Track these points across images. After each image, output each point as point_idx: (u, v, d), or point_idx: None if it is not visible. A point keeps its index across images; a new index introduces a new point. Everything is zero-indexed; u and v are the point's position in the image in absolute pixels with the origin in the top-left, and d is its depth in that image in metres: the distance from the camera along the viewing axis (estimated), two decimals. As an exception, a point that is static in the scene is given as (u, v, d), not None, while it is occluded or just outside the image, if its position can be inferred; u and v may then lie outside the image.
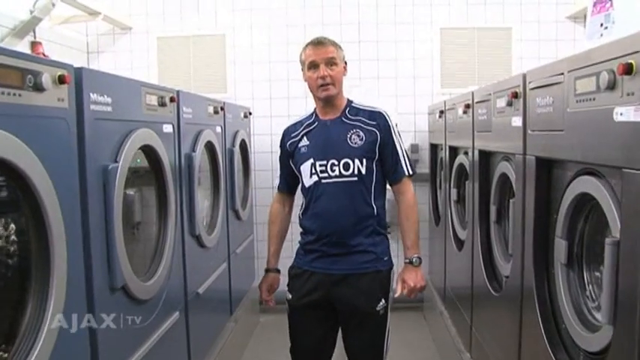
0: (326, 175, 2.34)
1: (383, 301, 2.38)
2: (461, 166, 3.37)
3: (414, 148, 4.78)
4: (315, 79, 2.34)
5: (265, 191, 4.60)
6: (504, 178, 2.52)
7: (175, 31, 4.86)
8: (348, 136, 2.35)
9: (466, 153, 3.25)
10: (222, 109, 3.44)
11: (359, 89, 4.76)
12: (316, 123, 2.44)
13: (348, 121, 2.38)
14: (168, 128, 2.44)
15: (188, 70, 4.86)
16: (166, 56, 4.88)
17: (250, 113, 4.47)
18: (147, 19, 4.86)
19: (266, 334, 4.38)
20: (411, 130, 4.80)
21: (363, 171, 2.33)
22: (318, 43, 2.37)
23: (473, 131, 2.91)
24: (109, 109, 1.83)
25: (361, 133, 2.35)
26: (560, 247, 1.80)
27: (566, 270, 1.81)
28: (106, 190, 1.82)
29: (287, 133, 2.52)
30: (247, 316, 4.17)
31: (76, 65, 1.64)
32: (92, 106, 1.72)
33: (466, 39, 4.75)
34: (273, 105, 4.85)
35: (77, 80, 1.64)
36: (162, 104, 2.36)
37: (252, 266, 4.68)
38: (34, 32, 4.01)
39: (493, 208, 2.66)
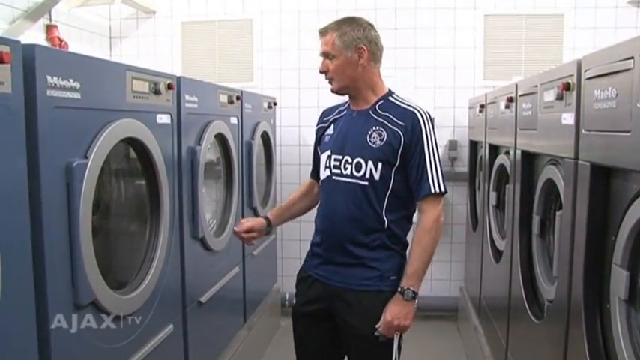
0: (338, 172, 2.03)
1: None
2: (501, 167, 2.99)
3: (453, 144, 4.39)
4: None
5: (292, 187, 4.29)
6: (550, 184, 2.15)
7: (200, 15, 4.60)
8: (369, 133, 1.99)
9: (507, 153, 2.87)
10: (238, 98, 3.15)
11: (394, 79, 4.40)
12: (345, 111, 2.14)
13: (375, 116, 2.02)
14: (163, 119, 2.16)
15: (213, 57, 4.59)
16: (191, 42, 4.62)
17: (275, 103, 4.17)
18: (171, 2, 4.61)
19: (287, 339, 4.08)
20: (450, 125, 4.42)
21: (377, 176, 1.97)
22: (320, 32, 2.06)
23: (515, 128, 2.53)
24: (77, 95, 1.56)
25: (383, 133, 1.97)
26: (620, 278, 1.43)
27: (626, 306, 1.44)
28: (69, 191, 1.55)
29: (322, 116, 2.24)
30: (266, 321, 3.89)
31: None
32: (49, 92, 1.44)
33: (513, 27, 4.31)
34: (302, 95, 4.54)
35: (27, 60, 1.36)
36: (155, 91, 2.08)
37: (274, 267, 4.41)
38: (50, 15, 3.81)
39: (536, 219, 2.29)
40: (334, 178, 2.04)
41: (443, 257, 4.50)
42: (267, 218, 2.31)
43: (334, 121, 2.14)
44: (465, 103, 4.29)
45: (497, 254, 3.03)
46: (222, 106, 2.92)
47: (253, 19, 4.54)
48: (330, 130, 2.13)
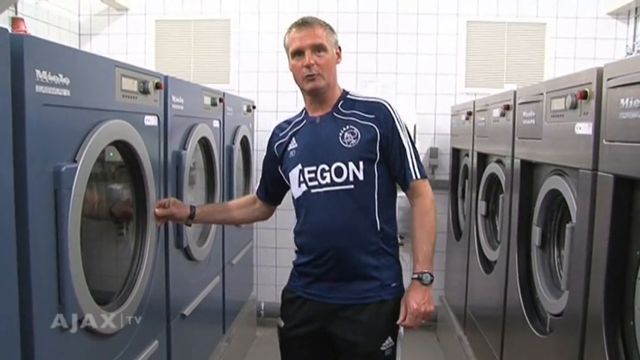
0: (316, 183, 1.90)
1: (389, 339, 1.93)
2: (492, 176, 2.93)
3: (433, 152, 4.34)
4: (300, 67, 1.90)
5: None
6: (554, 195, 2.09)
7: (176, 14, 4.43)
8: (340, 134, 1.90)
9: (499, 162, 2.81)
10: (221, 100, 3.01)
11: (375, 85, 4.33)
12: (305, 121, 2.01)
13: (341, 117, 1.94)
14: (151, 120, 2.01)
15: (188, 58, 4.43)
16: (165, 42, 4.45)
17: (254, 107, 4.04)
18: (145, -1, 4.43)
19: (263, 349, 3.95)
20: (430, 132, 4.37)
21: (361, 176, 1.88)
22: (302, 23, 1.93)
23: (513, 137, 2.47)
24: (66, 92, 1.41)
25: (355, 130, 1.90)
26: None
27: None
28: (57, 198, 1.39)
29: (275, 133, 2.10)
30: (243, 332, 3.74)
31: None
32: (38, 88, 1.29)
33: (495, 34, 4.29)
34: (280, 99, 4.41)
35: (15, 51, 1.21)
36: (144, 91, 1.94)
37: (251, 276, 4.26)
38: (16, 7, 3.60)
39: (537, 231, 2.22)
40: (313, 191, 1.91)
41: (422, 266, 4.43)
42: (193, 209, 2.15)
43: (294, 134, 2.01)
44: (447, 110, 4.24)
45: (488, 265, 2.97)
46: (205, 109, 2.78)
47: (231, 19, 4.40)
48: (293, 144, 1.99)
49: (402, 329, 1.96)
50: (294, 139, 2.00)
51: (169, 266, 2.26)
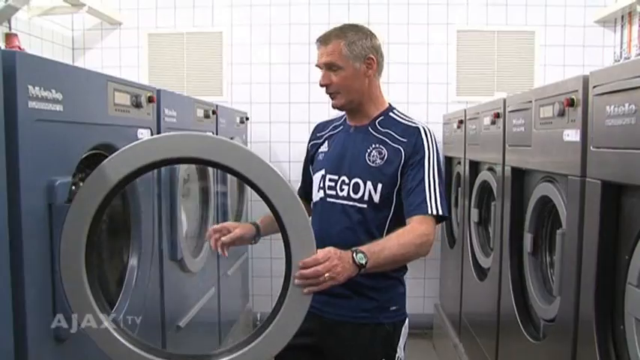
0: (333, 193, 1.86)
1: None
2: (484, 183, 2.95)
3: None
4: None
5: (262, 205, 4.18)
6: (545, 202, 2.11)
7: (168, 27, 4.46)
8: (368, 151, 1.83)
9: (491, 169, 2.84)
10: (214, 112, 3.03)
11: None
12: (342, 127, 1.98)
13: (375, 133, 1.86)
14: (144, 134, 2.02)
15: (181, 71, 4.45)
16: (158, 55, 4.47)
17: (247, 119, 4.06)
18: (138, 13, 4.45)
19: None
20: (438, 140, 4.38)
21: (376, 199, 1.80)
22: (318, 39, 1.87)
23: (504, 145, 2.50)
24: (59, 107, 1.42)
25: (384, 151, 1.81)
26: (637, 298, 1.38)
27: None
28: (52, 212, 1.40)
29: (315, 131, 2.08)
30: (238, 344, 3.73)
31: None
32: (31, 103, 1.30)
33: (485, 42, 4.34)
34: (273, 110, 4.44)
35: (7, 67, 1.22)
36: (136, 105, 1.95)
37: (247, 287, 4.26)
38: (9, 23, 3.61)
39: (528, 237, 2.24)
40: (329, 200, 1.87)
41: (416, 274, 4.45)
42: (256, 225, 1.99)
43: (329, 138, 1.99)
44: (439, 118, 4.27)
45: (481, 272, 2.99)
46: (198, 121, 2.79)
47: (223, 31, 4.43)
48: (325, 147, 1.97)
49: (402, 353, 1.87)
50: (327, 142, 1.97)
51: (164, 278, 2.27)
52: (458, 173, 3.67)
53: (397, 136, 1.83)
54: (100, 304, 1.43)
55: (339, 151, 1.91)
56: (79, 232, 1.38)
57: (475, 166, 3.20)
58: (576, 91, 1.70)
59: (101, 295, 1.46)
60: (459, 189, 3.59)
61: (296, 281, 1.42)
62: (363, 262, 1.52)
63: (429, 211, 1.70)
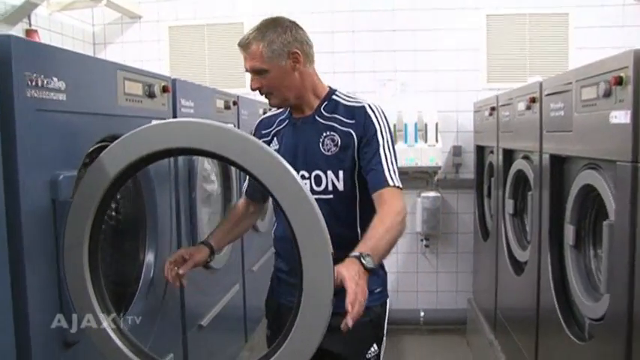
0: None
1: (375, 346, 1.83)
2: (519, 173, 2.79)
3: (457, 150, 4.21)
4: None
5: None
6: (588, 191, 1.95)
7: (188, 19, 4.38)
8: (321, 140, 1.76)
9: (527, 157, 2.67)
10: (234, 103, 2.93)
11: (394, 83, 4.22)
12: (287, 121, 1.87)
13: (322, 121, 1.78)
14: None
15: (203, 63, 4.38)
16: (179, 47, 4.40)
17: (270, 109, 3.94)
18: (157, 6, 4.38)
19: None
20: (452, 130, 4.24)
21: (340, 187, 1.75)
22: (240, 44, 1.75)
23: (541, 131, 2.34)
24: (62, 97, 1.33)
25: (336, 137, 1.75)
26: None
27: None
28: (56, 207, 1.31)
29: (259, 128, 1.97)
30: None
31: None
32: (30, 92, 1.21)
33: (516, 27, 4.15)
34: (297, 101, 4.32)
35: (2, 53, 1.13)
36: (150, 95, 1.85)
37: (272, 283, 4.16)
38: (29, 19, 3.57)
39: (570, 229, 2.08)
40: None
41: (449, 268, 4.33)
42: (209, 246, 1.87)
43: (276, 134, 1.88)
44: (469, 106, 4.10)
45: (518, 267, 2.83)
46: (218, 112, 2.69)
47: (244, 22, 4.32)
48: (275, 145, 1.86)
49: (384, 336, 1.88)
50: (275, 139, 1.87)
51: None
52: (490, 163, 3.51)
53: (345, 119, 1.76)
54: (102, 304, 1.33)
55: (291, 146, 1.81)
56: (80, 228, 1.29)
57: (509, 155, 3.03)
58: (626, 67, 1.55)
59: (105, 294, 1.36)
60: (492, 179, 3.43)
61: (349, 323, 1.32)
62: (372, 265, 1.45)
63: (393, 184, 1.67)
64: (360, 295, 1.34)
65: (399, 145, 3.96)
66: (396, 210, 1.61)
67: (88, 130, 1.47)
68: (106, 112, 1.56)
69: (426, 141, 4.06)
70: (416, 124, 4.08)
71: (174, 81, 2.09)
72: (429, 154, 4.03)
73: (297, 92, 1.77)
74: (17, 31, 3.45)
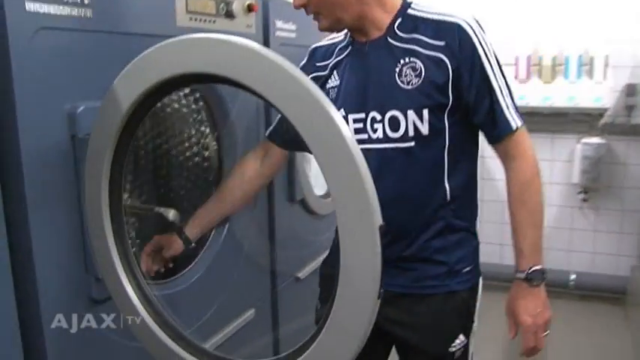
0: (365, 136, 1.38)
1: (461, 337, 1.47)
2: None
3: (630, 89, 3.50)
4: None
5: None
6: None
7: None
8: (397, 70, 1.35)
9: None
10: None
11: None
12: (349, 48, 1.46)
13: (398, 43, 1.36)
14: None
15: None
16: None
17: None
18: None
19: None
20: (626, 64, 3.52)
21: (425, 130, 1.34)
22: None
23: None
24: (83, 12, 1.10)
25: (418, 64, 1.33)
26: None
27: None
28: (75, 145, 1.12)
29: (312, 59, 1.56)
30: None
31: None
32: (30, 5, 0.99)
33: None
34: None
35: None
36: (227, 14, 1.59)
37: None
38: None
39: None
40: (361, 146, 1.21)
41: (610, 227, 3.77)
42: (182, 234, 1.53)
43: (336, 66, 1.46)
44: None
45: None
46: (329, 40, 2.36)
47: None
48: (335, 80, 1.45)
49: (475, 322, 1.51)
50: (335, 72, 1.46)
51: (275, 224, 1.96)
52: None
53: (430, 41, 1.33)
54: (125, 262, 1.13)
55: (357, 81, 1.41)
56: (98, 171, 1.08)
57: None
58: None
59: (130, 252, 1.16)
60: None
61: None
62: (541, 277, 1.36)
63: (516, 125, 1.36)
64: (541, 330, 1.36)
65: (559, 81, 3.42)
66: (528, 174, 1.37)
67: (123, 54, 1.22)
68: (153, 32, 1.30)
69: (591, 77, 3.48)
70: (580, 57, 3.48)
71: (265, -2, 1.79)
72: (593, 93, 3.47)
73: (356, 10, 1.36)
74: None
